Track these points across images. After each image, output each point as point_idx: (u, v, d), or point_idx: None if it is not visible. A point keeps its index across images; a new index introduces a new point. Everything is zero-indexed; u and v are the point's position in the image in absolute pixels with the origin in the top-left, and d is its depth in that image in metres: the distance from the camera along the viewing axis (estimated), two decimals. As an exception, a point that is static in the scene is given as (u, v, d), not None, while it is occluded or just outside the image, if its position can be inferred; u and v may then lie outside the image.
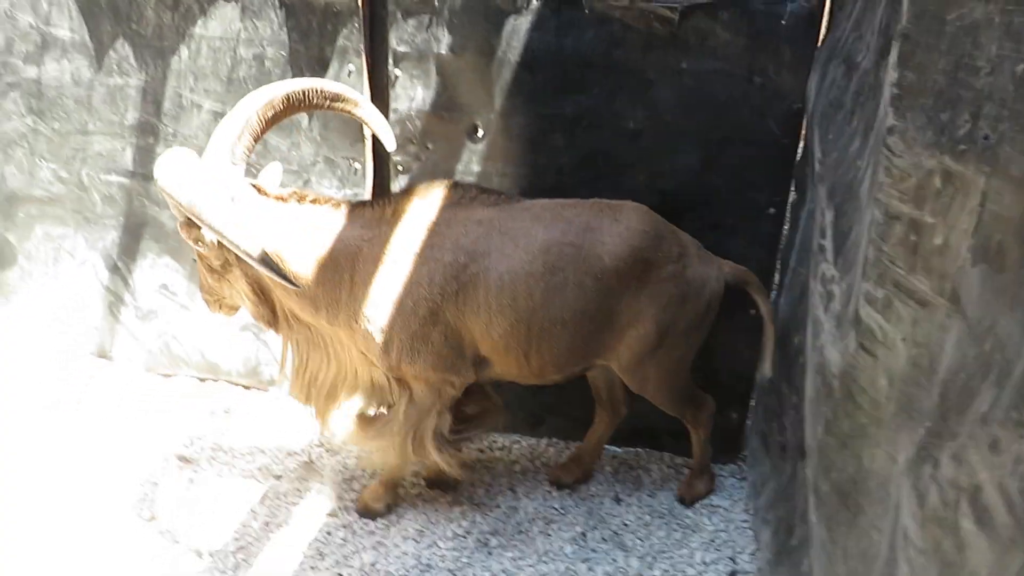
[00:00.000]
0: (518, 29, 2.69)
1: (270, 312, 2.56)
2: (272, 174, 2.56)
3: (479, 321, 2.40)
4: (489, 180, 2.87)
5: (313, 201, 2.44)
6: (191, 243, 2.34)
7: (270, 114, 2.29)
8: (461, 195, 2.48)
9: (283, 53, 2.93)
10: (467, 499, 2.87)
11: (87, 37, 3.12)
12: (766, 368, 2.56)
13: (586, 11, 2.63)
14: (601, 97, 2.73)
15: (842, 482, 1.55)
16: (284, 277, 2.25)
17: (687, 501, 2.89)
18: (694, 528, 2.76)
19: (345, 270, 2.41)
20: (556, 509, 2.83)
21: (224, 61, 3.00)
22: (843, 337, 1.56)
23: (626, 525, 2.77)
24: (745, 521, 2.78)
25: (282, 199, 2.41)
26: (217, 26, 2.95)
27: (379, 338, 2.41)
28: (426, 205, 2.44)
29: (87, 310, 3.56)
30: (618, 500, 2.88)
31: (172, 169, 2.19)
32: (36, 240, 3.53)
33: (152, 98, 3.14)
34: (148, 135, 3.21)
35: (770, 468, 2.56)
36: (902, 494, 1.29)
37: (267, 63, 2.95)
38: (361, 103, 2.46)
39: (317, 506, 2.83)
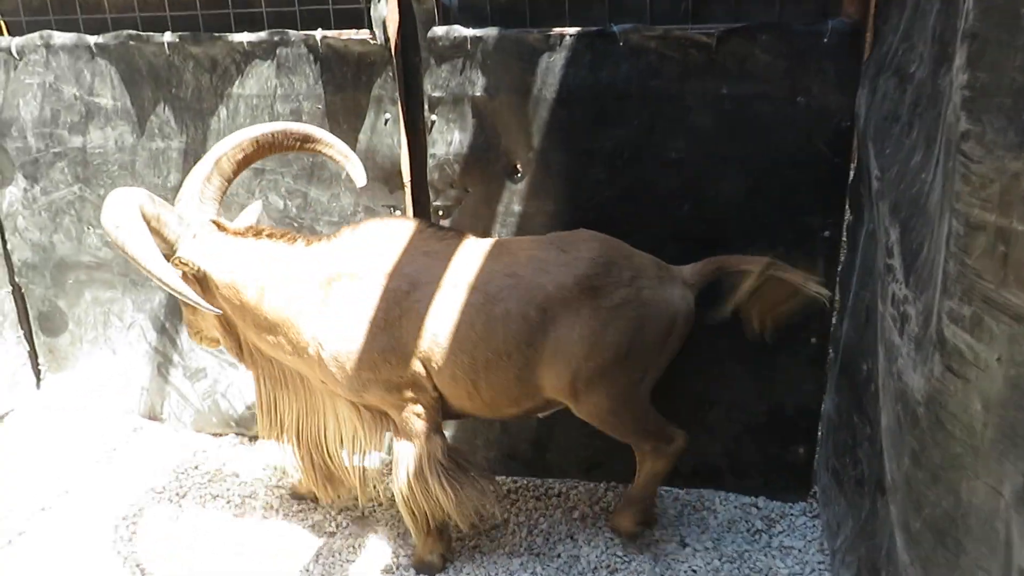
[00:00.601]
0: (552, 66, 2.66)
1: (236, 345, 2.68)
2: (252, 213, 2.74)
3: (421, 349, 2.41)
4: (531, 219, 2.83)
5: (269, 236, 2.54)
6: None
7: (240, 156, 2.53)
8: (415, 229, 2.53)
9: (319, 106, 2.94)
10: (526, 549, 2.76)
11: (129, 104, 3.17)
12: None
13: (620, 43, 2.60)
14: (640, 128, 2.68)
15: (937, 519, 1.43)
16: (199, 302, 2.33)
17: (621, 533, 2.75)
18: (767, 572, 2.61)
19: (295, 299, 2.47)
20: (619, 557, 2.70)
21: (262, 118, 3.02)
22: (925, 361, 1.45)
23: (695, 572, 2.63)
24: (821, 563, 2.63)
25: (239, 234, 2.53)
26: (254, 84, 2.98)
27: (331, 366, 2.44)
28: (378, 237, 2.51)
29: (137, 372, 3.57)
30: (684, 544, 2.75)
31: (109, 208, 2.26)
32: (85, 305, 3.56)
33: (193, 159, 3.17)
34: (191, 195, 3.23)
35: (846, 506, 2.41)
36: (1013, 530, 1.17)
37: (304, 117, 2.96)
38: (331, 142, 2.62)
39: (372, 563, 2.74)
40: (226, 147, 2.50)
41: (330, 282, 2.45)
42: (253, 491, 3.15)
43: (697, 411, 2.91)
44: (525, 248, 2.48)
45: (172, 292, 2.28)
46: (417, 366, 2.44)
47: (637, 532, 2.72)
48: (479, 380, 2.43)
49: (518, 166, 2.79)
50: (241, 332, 2.62)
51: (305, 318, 2.45)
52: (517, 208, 2.84)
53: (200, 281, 2.46)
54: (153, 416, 3.67)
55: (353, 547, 2.81)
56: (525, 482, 3.12)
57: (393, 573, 2.68)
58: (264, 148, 2.57)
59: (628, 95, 2.65)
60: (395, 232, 2.52)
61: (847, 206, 2.65)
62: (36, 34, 3.17)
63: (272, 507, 3.04)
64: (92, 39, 3.11)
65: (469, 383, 2.45)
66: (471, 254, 2.46)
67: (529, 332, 2.37)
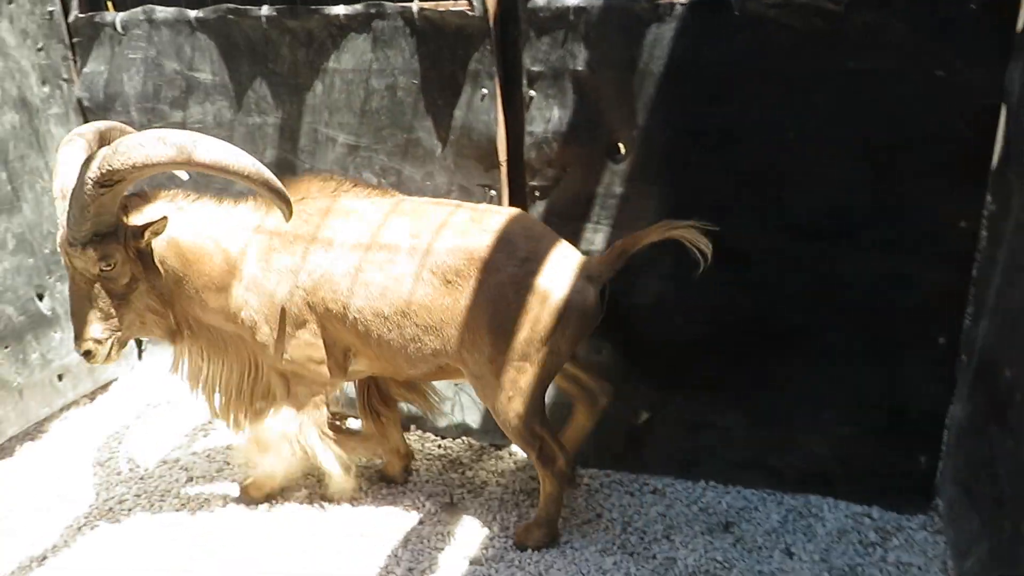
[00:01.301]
0: (660, 38, 2.48)
1: (170, 323, 2.63)
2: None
3: (329, 305, 2.54)
4: (632, 202, 2.67)
5: (218, 200, 2.67)
6: (93, 270, 2.37)
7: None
8: (334, 187, 2.64)
9: (415, 81, 2.85)
10: (620, 547, 2.64)
11: (227, 79, 3.16)
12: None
13: (736, 13, 2.40)
14: (754, 106, 2.48)
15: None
16: (286, 199, 2.33)
17: (520, 546, 2.67)
18: (882, 589, 2.42)
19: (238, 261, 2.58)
20: (719, 562, 2.55)
21: (357, 93, 2.95)
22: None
23: (801, 583, 2.46)
24: (943, 582, 2.41)
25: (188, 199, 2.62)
26: (350, 59, 2.91)
27: (260, 330, 2.59)
28: (302, 194, 2.62)
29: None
30: (790, 554, 2.57)
31: (164, 141, 2.19)
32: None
33: (289, 135, 3.14)
34: (286, 171, 3.21)
35: (980, 525, 2.19)
36: None
37: (399, 92, 2.88)
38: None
39: (461, 551, 2.68)
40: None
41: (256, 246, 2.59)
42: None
43: (807, 410, 2.71)
44: (441, 213, 2.54)
45: (269, 186, 2.29)
46: (333, 330, 2.60)
47: (542, 546, 2.68)
48: (379, 336, 2.52)
49: (620, 145, 2.63)
50: (180, 307, 2.60)
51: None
52: (618, 190, 2.69)
53: (142, 258, 2.45)
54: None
55: (442, 534, 2.75)
56: (619, 476, 2.99)
57: (483, 564, 2.61)
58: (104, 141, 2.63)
59: (742, 70, 2.45)
60: (315, 189, 2.65)
61: (989, 194, 2.38)
62: (139, 9, 3.19)
63: (361, 489, 3.02)
64: (192, 13, 3.10)
65: (372, 340, 2.54)
66: (383, 212, 2.57)
67: (425, 295, 2.45)
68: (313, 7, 2.89)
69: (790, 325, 2.66)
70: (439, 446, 3.27)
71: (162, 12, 3.16)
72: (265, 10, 2.96)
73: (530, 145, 2.73)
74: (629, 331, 2.83)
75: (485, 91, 2.75)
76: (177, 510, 2.95)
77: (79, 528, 2.85)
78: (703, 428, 2.85)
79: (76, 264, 2.35)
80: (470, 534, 2.75)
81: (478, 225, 2.46)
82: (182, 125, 3.31)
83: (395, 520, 2.84)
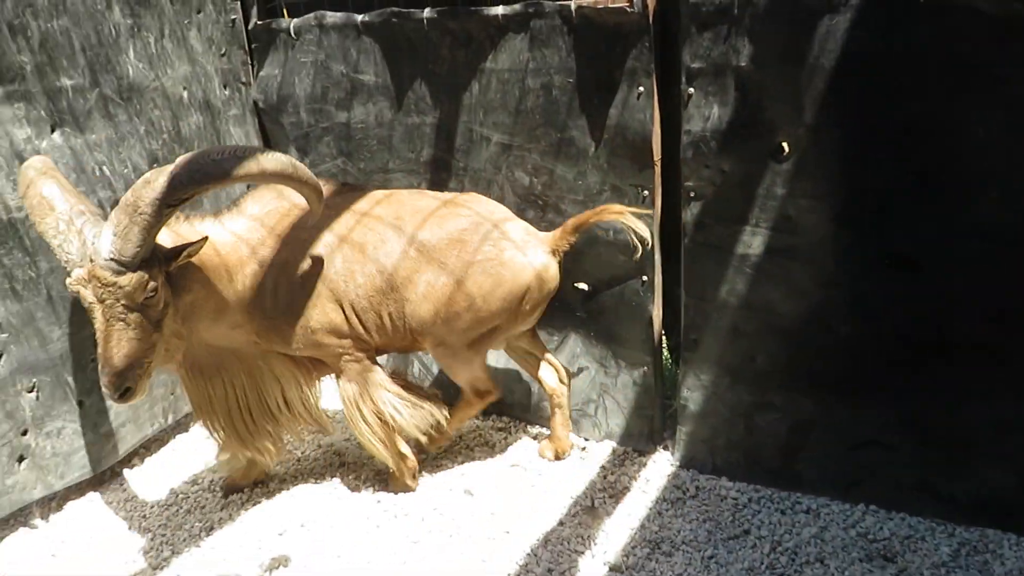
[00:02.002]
0: (834, 30, 2.33)
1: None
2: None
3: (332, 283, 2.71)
4: (795, 203, 2.53)
5: (215, 216, 2.77)
6: (139, 297, 2.24)
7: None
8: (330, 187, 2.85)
9: (570, 80, 2.83)
10: (768, 567, 2.51)
11: (389, 80, 3.28)
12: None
13: (921, 0, 2.21)
14: (938, 102, 2.28)
15: None
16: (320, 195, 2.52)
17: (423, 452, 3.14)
18: (1073, 640, 2.16)
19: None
20: (880, 593, 2.37)
21: (512, 93, 2.97)
22: None
23: (975, 625, 2.24)
24: None
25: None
26: (506, 59, 2.94)
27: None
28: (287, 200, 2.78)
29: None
30: (962, 591, 2.35)
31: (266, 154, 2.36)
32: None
33: (445, 134, 3.21)
34: (441, 171, 3.29)
35: None
36: None
37: (554, 91, 2.88)
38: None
39: (602, 556, 2.64)
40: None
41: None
42: (482, 470, 3.17)
43: (989, 433, 2.46)
44: (414, 200, 2.84)
45: (312, 185, 2.45)
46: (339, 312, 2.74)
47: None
48: (374, 316, 2.74)
49: (785, 145, 2.50)
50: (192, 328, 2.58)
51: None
52: (780, 191, 2.55)
53: (169, 280, 2.38)
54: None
55: (582, 538, 2.72)
56: (769, 492, 2.85)
57: (623, 572, 2.56)
58: None
59: (926, 62, 2.26)
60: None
61: None
62: (311, 15, 3.37)
63: (502, 483, 3.04)
64: (359, 17, 3.24)
65: (369, 320, 2.75)
66: (368, 205, 2.81)
67: (408, 268, 2.69)
68: (473, 8, 2.94)
69: (971, 338, 2.42)
70: (582, 448, 3.24)
71: (332, 17, 3.32)
72: (427, 12, 3.04)
73: (687, 144, 2.65)
74: (786, 339, 2.69)
75: (641, 89, 2.70)
76: (320, 493, 3.09)
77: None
78: (865, 446, 2.66)
79: (121, 291, 2.19)
80: (611, 540, 2.71)
81: (453, 209, 2.78)
82: (346, 125, 3.47)
83: (536, 520, 2.83)
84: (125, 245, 2.17)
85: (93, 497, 3.16)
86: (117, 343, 2.24)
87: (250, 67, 3.68)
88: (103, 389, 2.28)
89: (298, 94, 3.55)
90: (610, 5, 2.65)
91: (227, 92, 3.59)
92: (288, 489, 3.12)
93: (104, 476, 3.25)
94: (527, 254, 2.73)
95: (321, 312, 2.71)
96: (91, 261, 2.18)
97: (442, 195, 2.96)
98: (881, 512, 2.68)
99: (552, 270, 2.79)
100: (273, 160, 2.34)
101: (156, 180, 2.16)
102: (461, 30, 3.00)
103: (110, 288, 2.18)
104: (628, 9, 2.61)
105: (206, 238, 2.38)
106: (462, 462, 3.21)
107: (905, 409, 2.58)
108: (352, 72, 3.36)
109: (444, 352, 2.85)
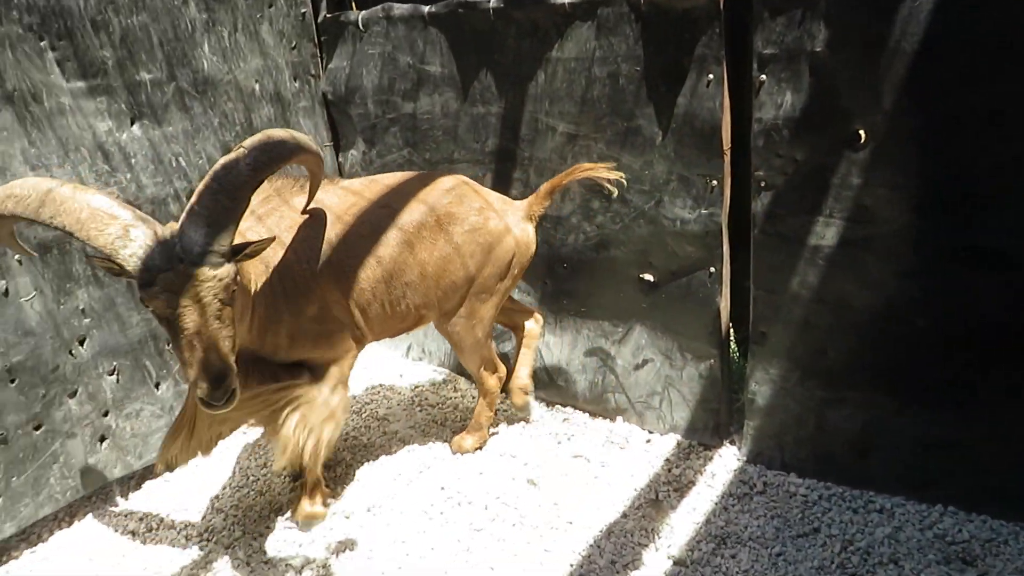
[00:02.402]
0: (916, 12, 2.24)
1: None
2: None
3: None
4: (872, 194, 2.44)
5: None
6: (228, 292, 2.10)
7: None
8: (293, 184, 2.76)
9: (637, 68, 2.80)
10: (839, 566, 2.44)
11: (455, 71, 3.29)
12: None
13: (1010, -20, 2.11)
14: (1027, 86, 2.18)
15: None
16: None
17: (454, 450, 3.22)
18: None
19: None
20: (958, 597, 2.29)
21: (579, 82, 2.95)
22: None
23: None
24: None
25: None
26: (573, 47, 2.92)
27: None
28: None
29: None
30: (1048, 598, 2.25)
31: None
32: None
33: (510, 124, 3.21)
34: (506, 160, 3.29)
35: None
36: None
37: (621, 80, 2.85)
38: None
39: (665, 550, 2.61)
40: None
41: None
42: (545, 460, 3.17)
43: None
44: (396, 182, 2.86)
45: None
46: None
47: (472, 449, 3.22)
48: (374, 301, 2.72)
49: (861, 132, 2.42)
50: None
51: None
52: (855, 181, 2.47)
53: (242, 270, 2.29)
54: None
55: (646, 531, 2.70)
56: (839, 490, 2.77)
57: (687, 566, 2.53)
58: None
59: (1013, 44, 2.15)
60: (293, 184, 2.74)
61: None
62: (379, 7, 3.40)
63: (566, 474, 3.04)
64: (426, 9, 3.26)
65: (368, 305, 2.72)
66: (356, 191, 2.82)
67: (400, 253, 2.72)
68: (539, -3, 2.93)
69: (1060, 337, 2.32)
70: (647, 440, 3.21)
71: (399, 9, 3.34)
72: (493, 2, 3.04)
73: (758, 133, 2.59)
74: (860, 334, 2.61)
75: (711, 76, 2.65)
76: (405, 477, 3.13)
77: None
78: (944, 445, 2.56)
79: (219, 285, 2.06)
80: (675, 534, 2.68)
81: (436, 186, 2.86)
82: (413, 116, 3.50)
83: (599, 511, 2.82)
84: (221, 235, 2.06)
85: (169, 477, 3.28)
86: (218, 344, 2.08)
87: (319, 59, 3.74)
88: (205, 398, 2.06)
89: (366, 85, 3.60)
90: (680, -9, 2.60)
91: (297, 84, 3.66)
92: (355, 474, 3.18)
93: (179, 457, 3.36)
94: (507, 221, 2.92)
95: (324, 308, 2.62)
96: (180, 261, 2.00)
97: (421, 173, 3.02)
98: (960, 514, 2.58)
99: (530, 234, 2.99)
100: (311, 142, 2.39)
101: (237, 166, 2.10)
102: (527, 20, 2.99)
103: (209, 284, 2.03)
104: (698, -5, 2.56)
105: (274, 238, 2.30)
106: (525, 452, 3.21)
107: (985, 408, 2.47)
108: (419, 63, 3.38)
109: (450, 326, 2.96)
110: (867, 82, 2.36)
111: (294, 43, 3.61)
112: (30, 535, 2.93)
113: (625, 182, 2.88)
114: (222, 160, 2.11)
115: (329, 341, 2.67)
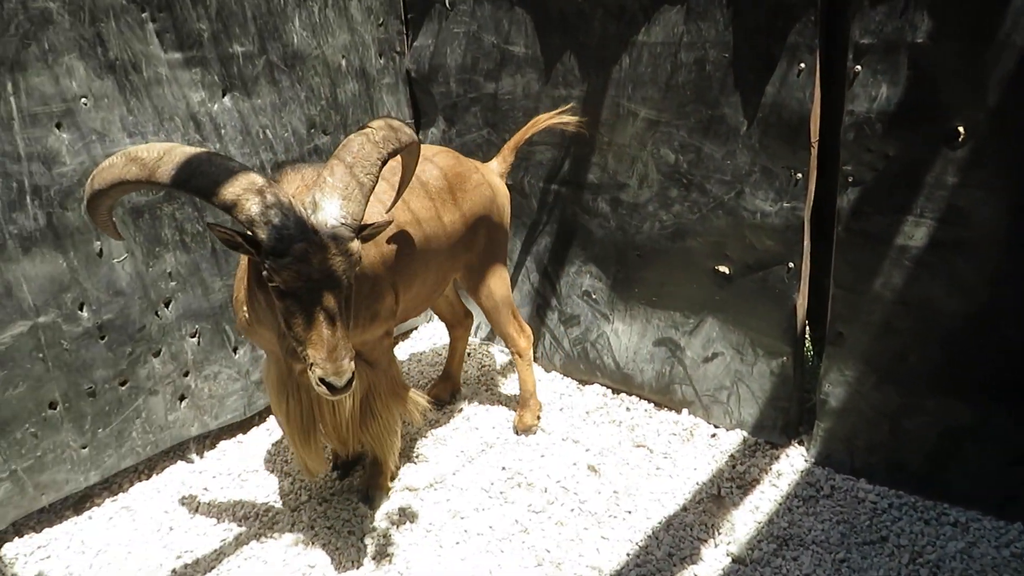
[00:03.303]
0: (1030, 4, 2.12)
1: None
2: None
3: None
4: (968, 193, 2.33)
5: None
6: (354, 268, 2.03)
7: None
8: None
9: (726, 55, 2.73)
10: (906, 578, 2.37)
11: (539, 52, 3.27)
12: None
13: None
14: None
15: None
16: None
17: (519, 432, 3.28)
18: None
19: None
20: (1034, 620, 2.19)
21: (664, 67, 2.90)
22: None
23: None
24: None
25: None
26: (660, 32, 2.87)
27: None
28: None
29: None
30: None
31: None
32: (481, 242, 3.84)
33: (591, 108, 3.18)
34: (584, 144, 3.27)
35: None
36: None
37: (708, 66, 2.78)
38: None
39: (724, 547, 2.58)
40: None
41: None
42: (607, 447, 3.16)
43: None
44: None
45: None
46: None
47: (533, 426, 3.29)
48: (417, 275, 2.72)
49: (961, 129, 2.30)
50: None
51: None
52: (951, 180, 2.36)
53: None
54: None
55: (706, 526, 2.67)
56: (911, 500, 2.68)
57: (746, 565, 2.49)
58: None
59: None
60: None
61: None
62: (466, -14, 3.41)
63: (627, 462, 3.03)
64: (513, -11, 3.25)
65: (410, 283, 2.70)
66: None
67: (430, 220, 2.75)
68: (628, -21, 2.88)
69: None
70: (712, 435, 3.17)
71: (486, -12, 3.34)
72: (581, -16, 3.01)
73: (849, 126, 2.49)
74: (945, 339, 2.51)
75: (803, 66, 2.56)
76: (450, 462, 3.18)
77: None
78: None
79: (352, 259, 2.00)
80: (736, 531, 2.64)
81: (434, 153, 2.95)
82: (494, 96, 3.50)
83: (659, 503, 2.80)
84: (354, 208, 2.00)
85: (242, 439, 3.40)
86: (343, 322, 1.99)
87: (405, 37, 3.77)
88: (325, 380, 1.96)
89: (449, 64, 3.61)
90: (775, -24, 2.52)
91: (382, 61, 3.70)
92: (419, 450, 3.24)
93: (253, 420, 3.48)
94: (493, 176, 3.12)
95: (376, 288, 2.52)
96: (315, 232, 1.92)
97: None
98: (1040, 533, 2.47)
99: (506, 189, 3.20)
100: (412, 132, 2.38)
101: (370, 143, 2.08)
102: (614, 2, 2.95)
103: (340, 258, 1.95)
104: (794, -19, 2.48)
105: (391, 221, 2.22)
106: (588, 438, 3.21)
107: (1079, 425, 2.35)
108: (503, 43, 3.38)
109: (476, 275, 3.05)
110: (971, 76, 2.24)
111: (381, 20, 3.65)
112: (112, 484, 3.09)
113: (583, 128, 3.17)
114: (353, 137, 2.10)
115: (378, 323, 2.59)
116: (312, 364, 1.97)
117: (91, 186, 2.05)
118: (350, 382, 1.98)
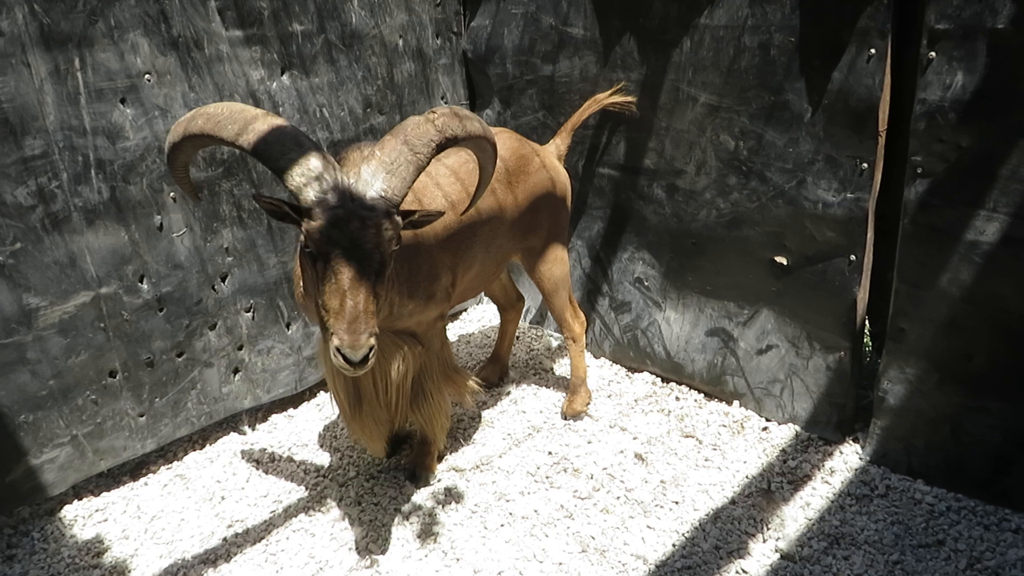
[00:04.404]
0: (1122, -11, 2.00)
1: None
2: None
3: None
4: (1046, 189, 2.23)
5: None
6: (393, 244, 2.02)
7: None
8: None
9: (792, 39, 2.65)
10: (963, 585, 2.30)
11: (597, 34, 3.22)
12: None
13: None
14: None
15: None
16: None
17: (567, 417, 3.28)
18: None
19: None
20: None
21: (726, 51, 2.83)
22: None
23: None
24: None
25: None
26: (723, 14, 2.79)
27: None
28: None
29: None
30: None
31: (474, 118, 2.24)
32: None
33: (649, 91, 3.12)
34: (640, 129, 3.21)
35: None
36: None
37: (772, 51, 2.70)
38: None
39: (772, 542, 2.53)
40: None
41: None
42: (655, 436, 3.12)
43: None
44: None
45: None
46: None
47: (582, 411, 3.29)
48: (477, 257, 2.75)
49: (1041, 120, 2.20)
50: None
51: None
52: (1028, 173, 2.26)
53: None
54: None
55: (754, 520, 2.62)
56: (971, 504, 2.59)
57: (795, 562, 2.44)
58: None
59: None
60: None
61: None
62: (526, -34, 3.36)
63: (675, 452, 2.99)
64: (573, -31, 3.19)
65: (469, 267, 2.73)
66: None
67: (491, 203, 2.75)
68: (692, -40, 2.81)
69: None
70: (764, 428, 3.11)
71: (546, -32, 3.29)
72: (644, -36, 2.95)
73: (920, 114, 2.40)
74: (1013, 339, 2.41)
75: (873, 51, 2.47)
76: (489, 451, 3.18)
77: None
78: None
79: (385, 235, 1.98)
80: (785, 527, 2.59)
81: (502, 136, 2.92)
82: (550, 79, 3.46)
83: (707, 495, 2.76)
84: (398, 183, 2.00)
85: (293, 413, 3.46)
86: (367, 296, 1.96)
87: (462, 17, 3.75)
88: (342, 351, 1.93)
89: (506, 45, 3.58)
90: (847, -43, 2.43)
91: (439, 41, 3.69)
92: (467, 431, 3.25)
93: (304, 395, 3.53)
94: (552, 158, 3.12)
95: (433, 268, 2.54)
96: (352, 200, 1.94)
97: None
98: (1108, 545, 2.37)
99: (565, 171, 3.18)
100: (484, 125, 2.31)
101: (434, 123, 2.07)
102: (677, -17, 2.88)
103: (374, 230, 1.94)
104: (867, -38, 2.38)
105: (443, 212, 2.20)
106: (635, 426, 3.18)
107: None
108: (561, 25, 3.34)
109: (540, 267, 3.06)
110: (1054, 65, 2.14)
111: (439, 0, 3.63)
112: (167, 452, 3.17)
113: (636, 109, 3.17)
114: (413, 118, 2.10)
115: (433, 304, 2.59)
116: (332, 333, 1.96)
117: (169, 140, 2.17)
118: (366, 359, 1.94)
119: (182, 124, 2.11)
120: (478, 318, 4.30)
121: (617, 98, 3.16)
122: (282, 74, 3.05)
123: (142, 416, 2.92)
